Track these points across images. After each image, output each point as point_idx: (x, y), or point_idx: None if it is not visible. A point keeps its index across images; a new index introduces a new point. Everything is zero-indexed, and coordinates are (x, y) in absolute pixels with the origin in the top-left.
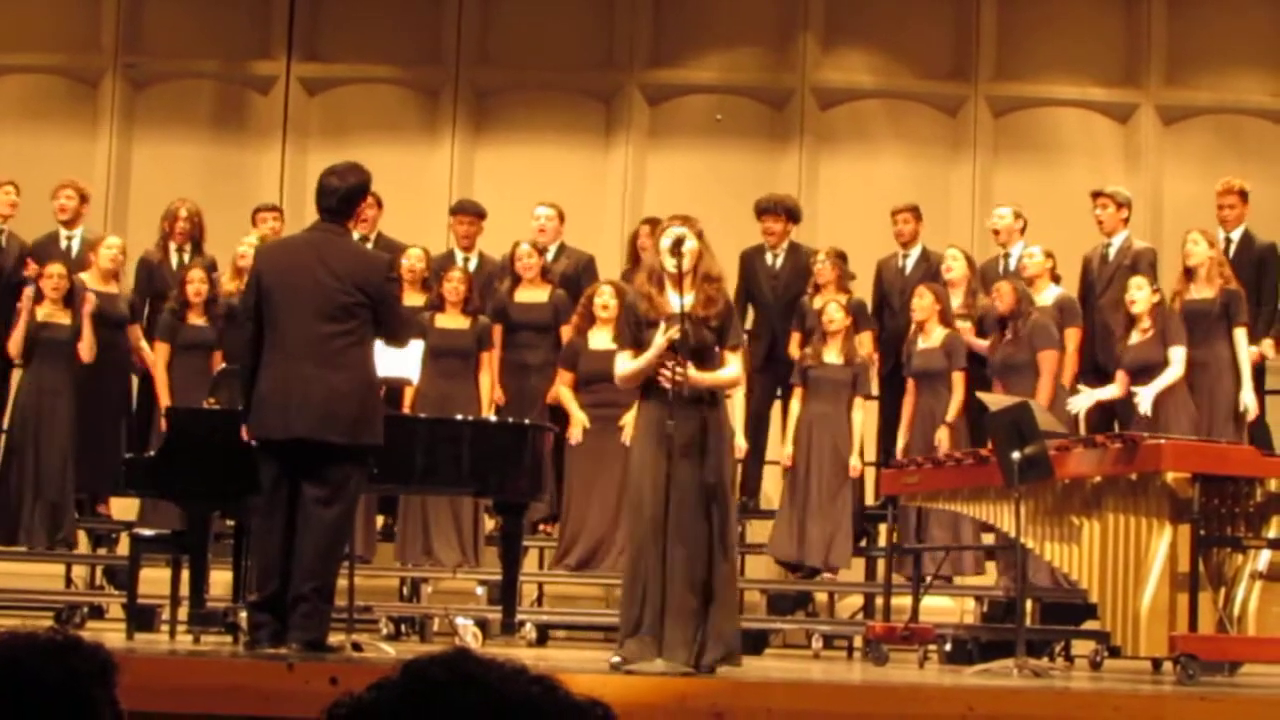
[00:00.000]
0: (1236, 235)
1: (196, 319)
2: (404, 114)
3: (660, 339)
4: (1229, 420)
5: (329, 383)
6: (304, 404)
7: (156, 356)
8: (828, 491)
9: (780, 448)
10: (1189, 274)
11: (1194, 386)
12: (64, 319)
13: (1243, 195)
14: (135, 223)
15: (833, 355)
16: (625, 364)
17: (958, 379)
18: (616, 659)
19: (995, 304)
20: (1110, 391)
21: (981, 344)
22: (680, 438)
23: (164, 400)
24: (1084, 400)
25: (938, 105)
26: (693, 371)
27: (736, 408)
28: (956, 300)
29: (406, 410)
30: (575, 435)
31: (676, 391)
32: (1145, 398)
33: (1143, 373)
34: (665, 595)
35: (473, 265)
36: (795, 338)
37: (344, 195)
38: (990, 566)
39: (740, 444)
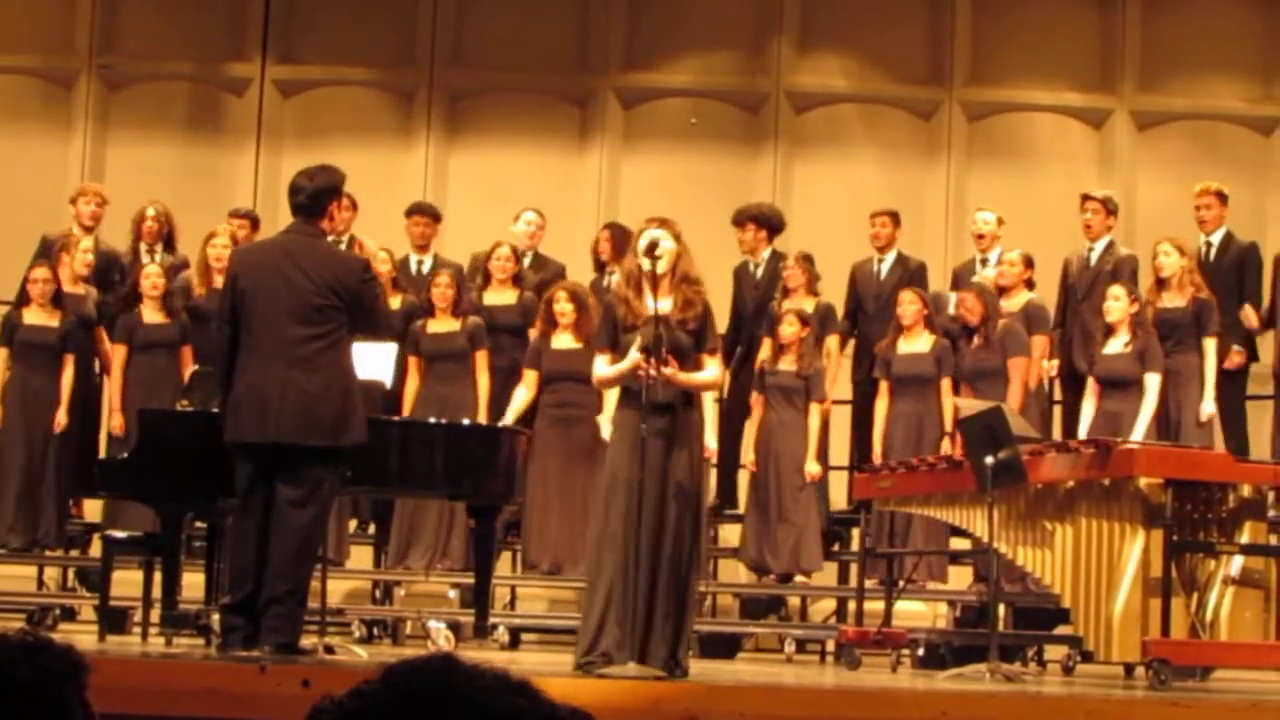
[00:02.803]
0: (1217, 238)
1: (154, 316)
2: (378, 116)
3: (635, 353)
4: (1198, 428)
5: (305, 386)
6: (282, 407)
7: (114, 358)
8: (790, 496)
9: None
10: (1161, 284)
11: (1163, 394)
12: (51, 321)
13: (1220, 197)
14: (110, 224)
15: (788, 363)
16: (602, 368)
17: (947, 386)
18: (583, 663)
19: (964, 315)
20: (1090, 409)
21: None
22: (653, 439)
23: (115, 403)
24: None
25: (912, 110)
26: (671, 370)
27: (708, 412)
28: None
29: (406, 414)
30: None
31: (649, 393)
32: (1139, 429)
33: (1116, 386)
34: (634, 599)
35: (426, 267)
36: (766, 343)
37: (312, 194)
38: (958, 571)
39: (710, 444)
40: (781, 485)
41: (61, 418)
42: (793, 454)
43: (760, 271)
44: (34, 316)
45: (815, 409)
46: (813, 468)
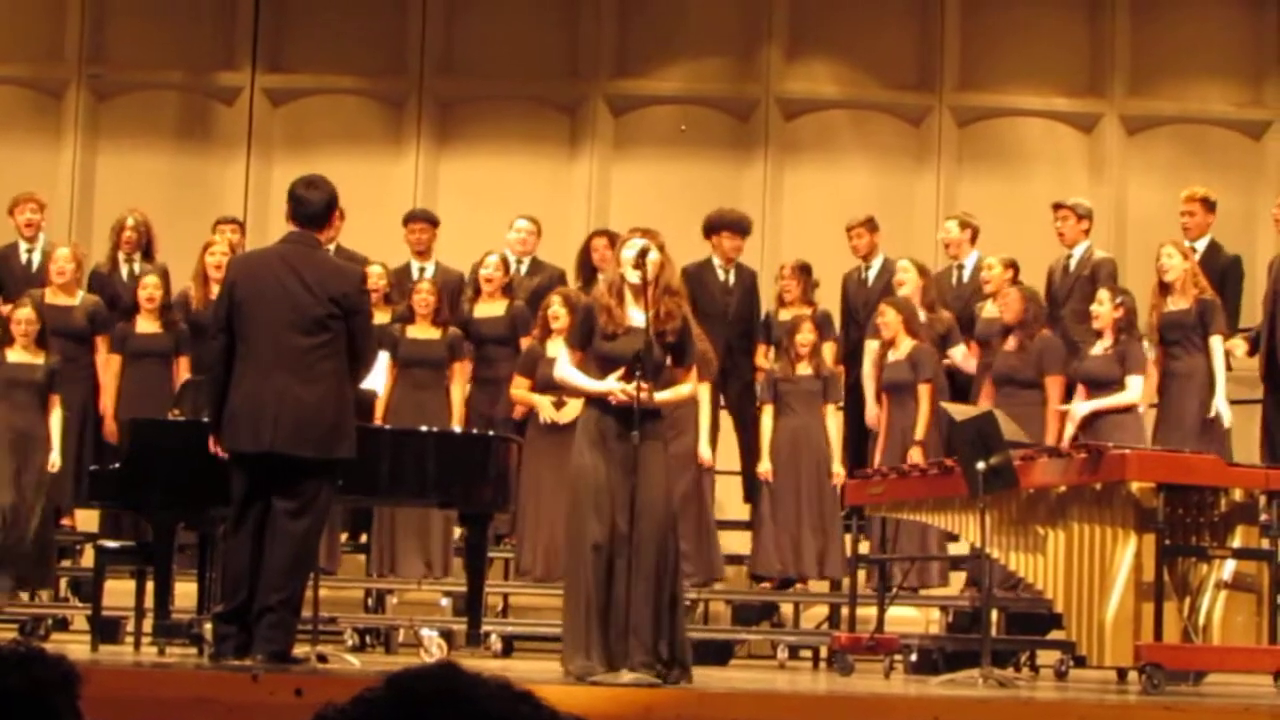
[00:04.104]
0: (1201, 245)
1: (149, 326)
2: (368, 124)
3: (613, 381)
4: (1204, 431)
5: (302, 396)
6: (277, 418)
7: (108, 367)
8: (816, 503)
9: (732, 458)
10: (1165, 288)
11: (1170, 396)
12: (36, 360)
13: (1205, 204)
14: (100, 234)
15: (803, 368)
16: (567, 368)
17: (924, 391)
18: (577, 672)
19: (1001, 313)
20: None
21: (968, 365)
22: (621, 450)
23: (108, 411)
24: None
25: (902, 115)
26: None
27: (703, 419)
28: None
29: (378, 421)
30: (548, 414)
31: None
32: (1077, 411)
33: (1096, 388)
34: (618, 608)
35: (429, 273)
36: (761, 349)
37: (320, 204)
38: (954, 576)
39: (705, 454)
40: (807, 492)
41: (55, 460)
42: (817, 459)
43: (733, 278)
44: (18, 355)
45: (833, 411)
46: (839, 469)
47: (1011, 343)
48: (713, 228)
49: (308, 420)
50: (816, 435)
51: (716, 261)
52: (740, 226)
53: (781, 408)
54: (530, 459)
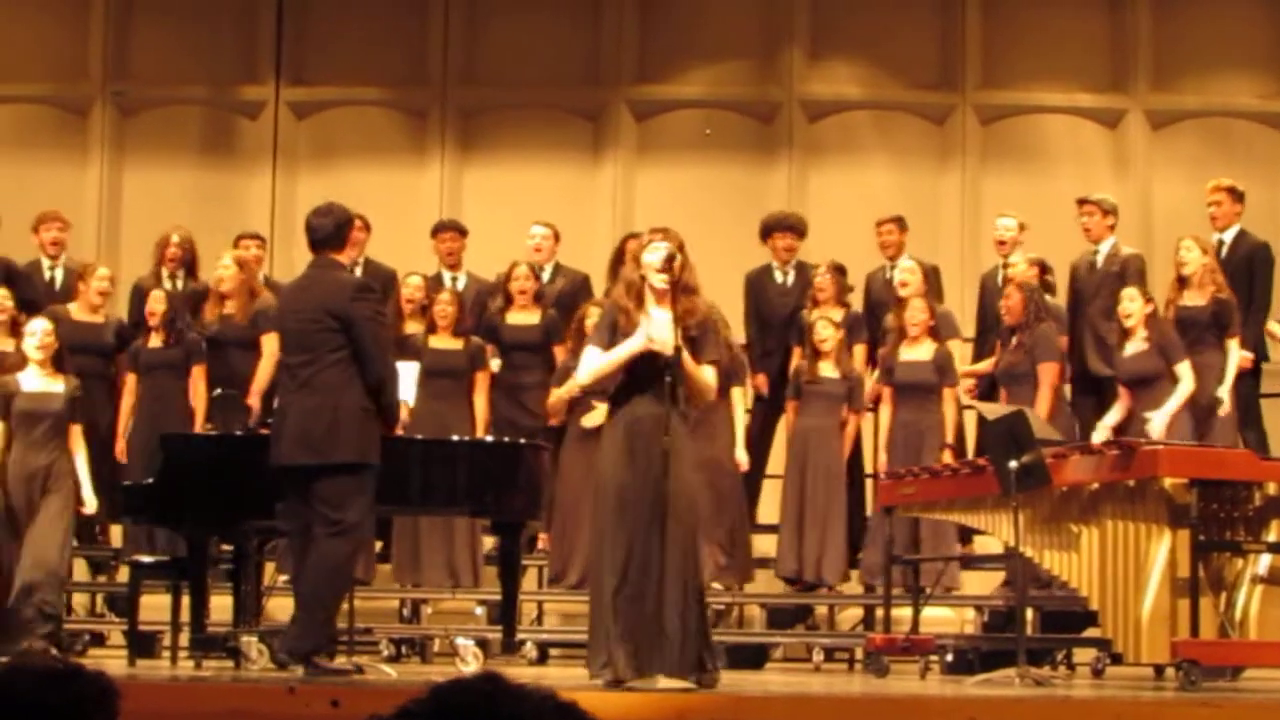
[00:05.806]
0: (1230, 236)
1: (157, 342)
2: (392, 135)
3: (640, 336)
4: (1220, 427)
5: (299, 408)
6: (282, 432)
7: (126, 385)
8: (823, 505)
9: (776, 463)
10: (1182, 282)
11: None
12: (54, 385)
13: (1232, 194)
14: (127, 250)
15: (828, 369)
16: (593, 359)
17: (949, 395)
18: (603, 677)
19: (1004, 315)
20: (1116, 413)
21: (979, 369)
22: (646, 447)
23: (121, 428)
24: (1099, 435)
25: (925, 115)
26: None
27: (739, 423)
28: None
29: (400, 432)
30: (592, 419)
31: (670, 404)
32: (1158, 423)
33: (1141, 385)
34: (647, 609)
35: (461, 284)
36: (796, 352)
37: (334, 227)
38: (973, 576)
39: (741, 458)
40: (816, 493)
41: (89, 499)
42: (827, 462)
43: (791, 280)
44: (34, 381)
45: (853, 418)
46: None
47: (1014, 341)
48: (767, 230)
49: (303, 428)
50: (830, 438)
51: (774, 265)
52: (794, 226)
53: (803, 408)
54: (568, 469)
